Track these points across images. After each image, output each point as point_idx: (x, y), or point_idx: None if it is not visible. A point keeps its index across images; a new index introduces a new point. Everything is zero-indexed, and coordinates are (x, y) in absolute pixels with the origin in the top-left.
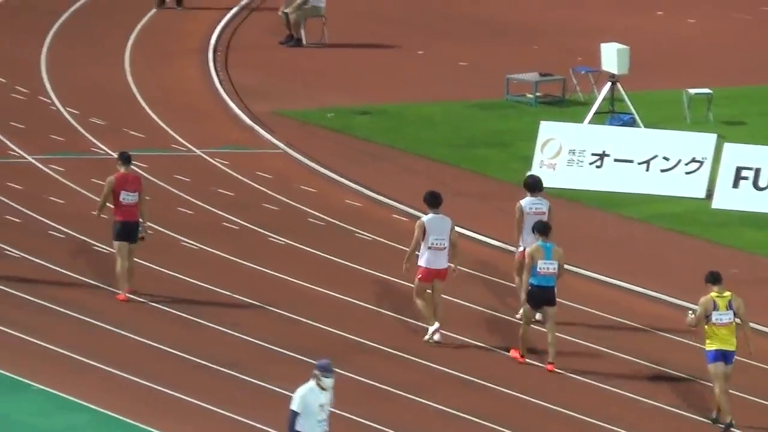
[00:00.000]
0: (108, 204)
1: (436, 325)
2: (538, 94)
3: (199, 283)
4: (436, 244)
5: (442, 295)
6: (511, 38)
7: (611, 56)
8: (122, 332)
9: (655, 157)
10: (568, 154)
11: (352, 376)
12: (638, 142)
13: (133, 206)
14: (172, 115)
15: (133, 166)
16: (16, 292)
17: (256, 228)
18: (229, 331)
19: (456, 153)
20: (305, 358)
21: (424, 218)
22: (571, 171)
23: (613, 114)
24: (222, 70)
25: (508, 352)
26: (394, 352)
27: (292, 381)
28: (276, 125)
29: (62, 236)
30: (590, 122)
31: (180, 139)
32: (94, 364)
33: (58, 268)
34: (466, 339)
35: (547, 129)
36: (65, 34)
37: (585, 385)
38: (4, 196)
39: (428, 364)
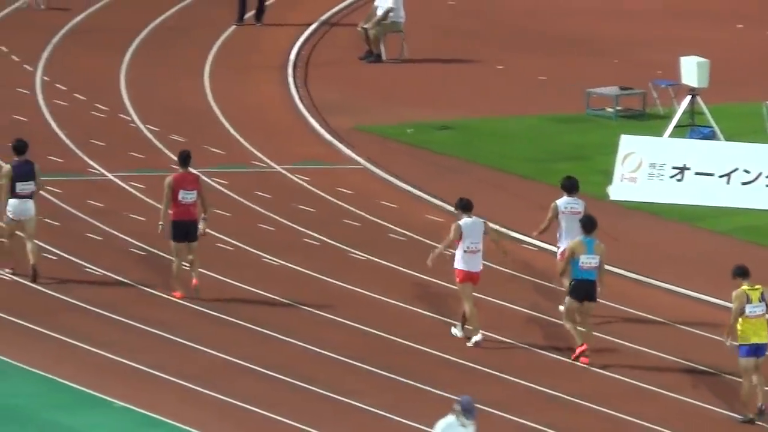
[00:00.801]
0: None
1: (479, 335)
2: (618, 107)
3: (280, 299)
4: (472, 247)
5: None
6: (591, 52)
7: (691, 69)
8: (201, 347)
9: (736, 170)
10: (649, 168)
11: (436, 391)
12: (719, 155)
13: (191, 205)
14: (252, 131)
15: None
16: (96, 309)
17: (337, 244)
18: (310, 346)
19: (536, 167)
20: (387, 374)
21: (461, 222)
22: (652, 184)
23: (693, 127)
24: (302, 86)
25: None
26: (477, 366)
27: (373, 396)
28: (356, 141)
29: (143, 253)
30: (670, 136)
31: (260, 156)
32: (173, 379)
33: (138, 285)
34: (552, 354)
35: (628, 143)
36: (144, 52)
37: (662, 397)
38: (85, 214)
39: (512, 378)
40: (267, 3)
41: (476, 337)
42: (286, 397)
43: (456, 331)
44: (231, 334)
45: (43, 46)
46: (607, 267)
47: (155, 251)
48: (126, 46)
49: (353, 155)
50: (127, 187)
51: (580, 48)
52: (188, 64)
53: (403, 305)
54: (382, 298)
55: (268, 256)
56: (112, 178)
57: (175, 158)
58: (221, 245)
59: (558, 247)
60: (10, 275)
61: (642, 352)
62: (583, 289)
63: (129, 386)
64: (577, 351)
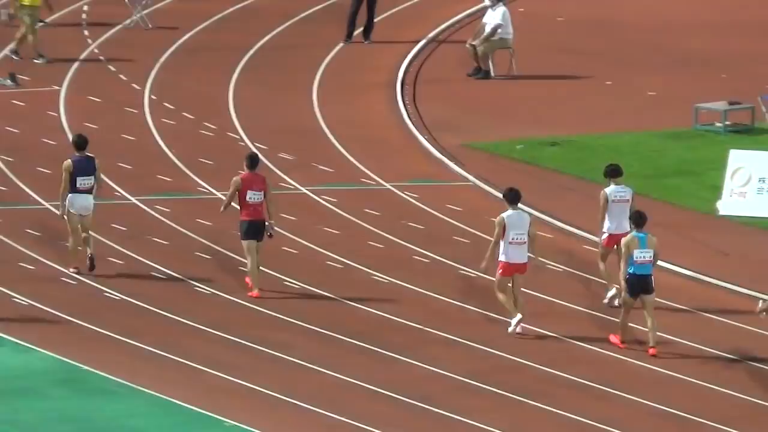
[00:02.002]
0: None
1: (519, 316)
2: (726, 122)
3: (390, 317)
4: (517, 239)
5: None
6: (699, 67)
7: None
8: (314, 367)
9: None
10: (758, 183)
11: (554, 410)
12: None
13: (259, 205)
14: (361, 149)
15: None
16: (208, 329)
17: (447, 261)
18: (422, 365)
19: (645, 183)
20: (501, 391)
21: (504, 215)
22: (761, 199)
23: None
24: (410, 103)
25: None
26: (594, 384)
27: (488, 415)
28: (465, 157)
29: None
30: None
31: (369, 173)
32: (288, 399)
33: (250, 305)
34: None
35: (737, 157)
36: (252, 70)
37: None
38: (195, 233)
39: (634, 398)
40: (375, 20)
41: (516, 320)
42: (402, 416)
43: (512, 328)
44: (343, 353)
45: (151, 65)
46: (716, 282)
47: (266, 270)
48: (234, 64)
49: (462, 172)
50: (236, 206)
51: (689, 63)
52: (296, 82)
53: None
54: (493, 314)
55: (377, 274)
56: (221, 197)
57: (283, 176)
58: (331, 263)
59: (603, 233)
60: (120, 295)
61: (753, 367)
62: (638, 284)
63: (243, 407)
64: (615, 339)
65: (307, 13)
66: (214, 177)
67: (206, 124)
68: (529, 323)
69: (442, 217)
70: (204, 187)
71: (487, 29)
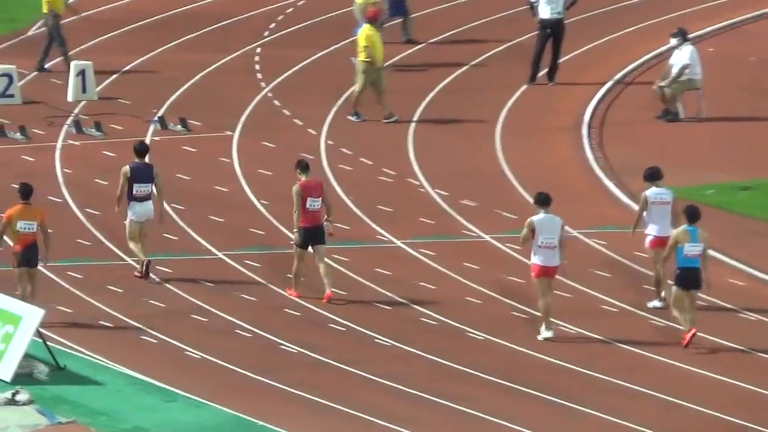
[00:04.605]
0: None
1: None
2: None
3: (575, 368)
4: (546, 243)
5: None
6: None
7: None
8: (497, 420)
9: None
10: None
11: None
12: None
13: (317, 212)
14: None
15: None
16: (387, 382)
17: (635, 310)
18: (605, 416)
19: None
20: None
21: (534, 218)
22: None
23: None
24: (597, 146)
25: None
26: None
27: None
28: None
29: (434, 323)
30: None
31: None
32: None
33: (429, 356)
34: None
35: None
36: (433, 113)
37: None
38: (374, 283)
39: None
40: (559, 61)
41: (547, 333)
42: None
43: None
44: (526, 405)
45: (328, 109)
46: None
47: (448, 321)
48: (414, 107)
49: None
50: (416, 254)
51: None
52: (478, 126)
53: (707, 373)
54: (678, 363)
55: (562, 323)
56: (400, 245)
57: (465, 223)
58: (516, 313)
59: (647, 236)
60: (296, 347)
61: None
62: (688, 277)
63: None
64: (687, 337)
65: (489, 54)
66: (393, 224)
67: (385, 169)
68: (719, 372)
69: (631, 265)
70: (383, 236)
71: (675, 70)
